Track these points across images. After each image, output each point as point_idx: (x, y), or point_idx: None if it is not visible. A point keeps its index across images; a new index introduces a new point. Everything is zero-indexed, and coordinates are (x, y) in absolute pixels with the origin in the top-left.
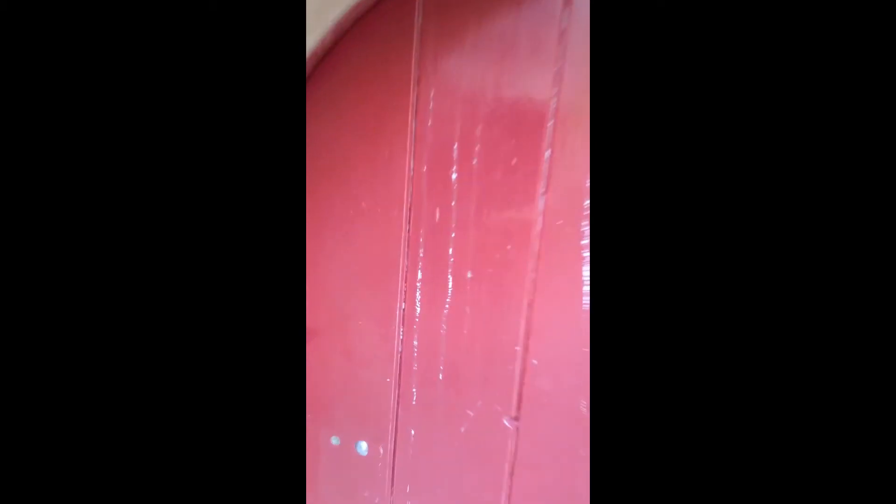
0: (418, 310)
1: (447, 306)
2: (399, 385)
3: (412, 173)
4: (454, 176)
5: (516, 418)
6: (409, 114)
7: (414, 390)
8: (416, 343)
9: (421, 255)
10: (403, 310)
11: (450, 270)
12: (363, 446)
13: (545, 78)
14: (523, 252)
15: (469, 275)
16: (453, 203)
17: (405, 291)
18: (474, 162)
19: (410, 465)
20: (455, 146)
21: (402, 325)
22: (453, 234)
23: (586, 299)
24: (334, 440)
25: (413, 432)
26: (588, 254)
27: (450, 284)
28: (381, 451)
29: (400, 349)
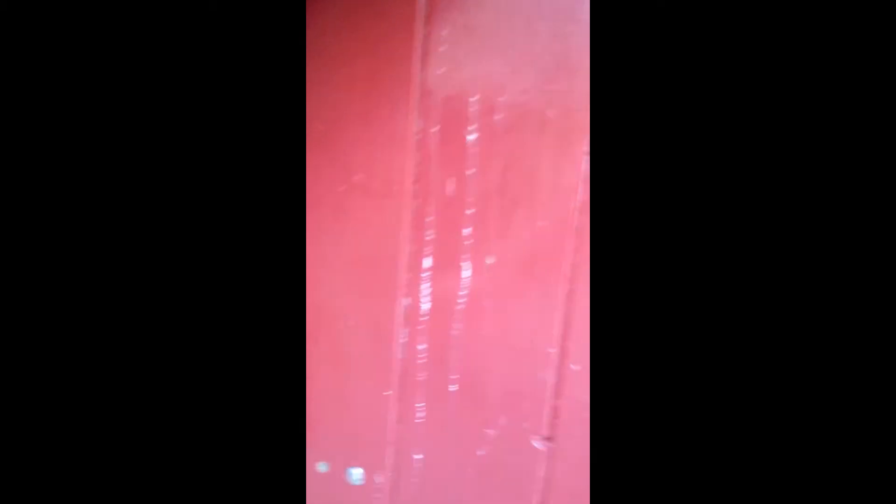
0: (425, 306)
1: (462, 300)
2: (401, 399)
3: (419, 136)
4: (471, 137)
5: (549, 438)
6: (415, 60)
7: (420, 405)
8: (421, 347)
9: (429, 237)
10: (407, 306)
11: (465, 255)
12: (357, 474)
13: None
14: (560, 228)
15: (490, 260)
16: (471, 171)
17: (409, 283)
18: (497, 118)
19: (415, 498)
20: (474, 99)
21: (406, 324)
22: (470, 210)
23: None
24: (321, 467)
25: (419, 457)
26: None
27: (466, 273)
28: (379, 480)
29: (402, 355)
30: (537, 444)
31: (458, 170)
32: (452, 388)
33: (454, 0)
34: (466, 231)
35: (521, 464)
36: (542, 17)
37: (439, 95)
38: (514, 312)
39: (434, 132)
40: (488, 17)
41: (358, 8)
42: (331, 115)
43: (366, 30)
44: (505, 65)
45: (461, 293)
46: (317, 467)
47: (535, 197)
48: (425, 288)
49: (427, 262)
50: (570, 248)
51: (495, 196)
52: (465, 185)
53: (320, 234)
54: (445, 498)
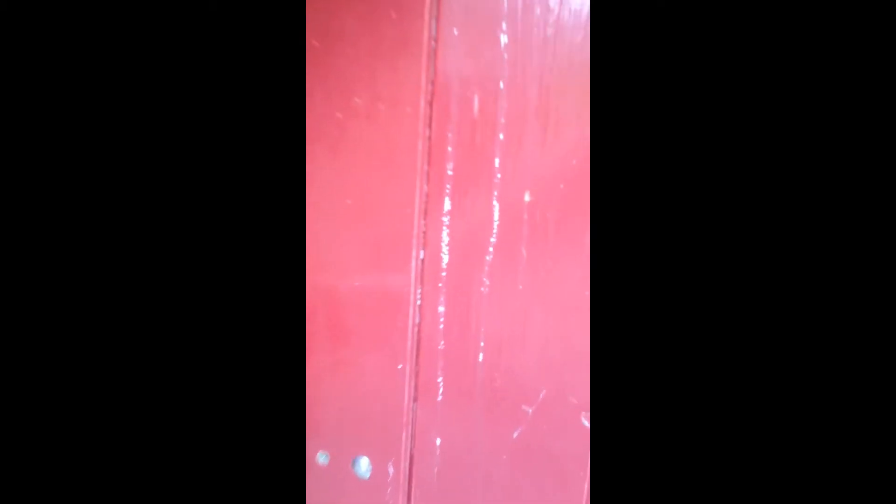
0: (445, 258)
1: (491, 250)
2: (417, 373)
3: (434, 42)
4: (504, 39)
5: None
6: None
7: (440, 380)
8: (441, 310)
9: (449, 171)
10: (422, 260)
11: (495, 192)
12: (363, 465)
13: None
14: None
15: (527, 197)
16: (502, 84)
17: (425, 231)
18: (537, 13)
19: (435, 490)
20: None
21: (421, 282)
22: (502, 135)
23: None
24: (321, 457)
25: (439, 441)
26: None
27: (496, 215)
28: (391, 470)
29: (417, 319)
30: (587, 421)
31: (485, 83)
32: (479, 357)
33: None
34: (496, 161)
35: (566, 447)
36: None
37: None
38: (558, 262)
39: (455, 35)
40: None
41: None
42: (326, 27)
43: None
44: None
45: (491, 240)
46: (317, 458)
47: (582, 114)
48: (445, 236)
49: (447, 205)
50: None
51: (533, 116)
52: (495, 103)
53: (315, 173)
54: (473, 490)
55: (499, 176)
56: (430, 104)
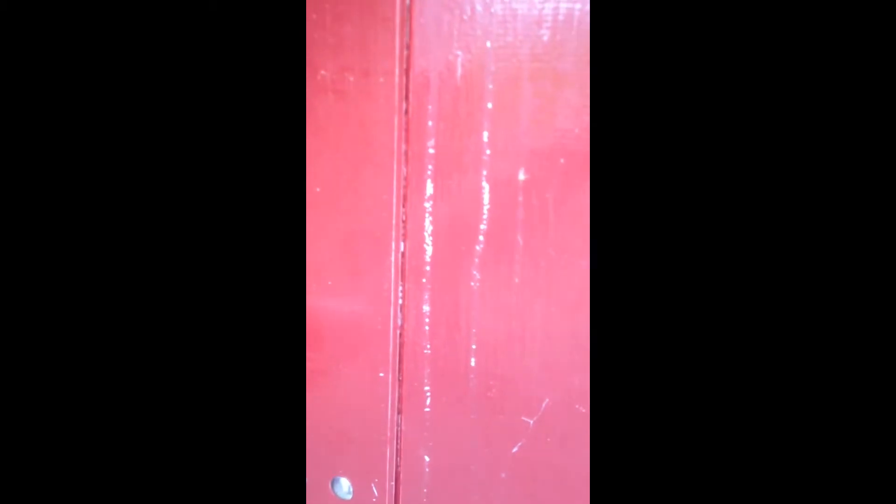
0: (429, 250)
1: (481, 239)
2: (401, 382)
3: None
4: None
5: None
6: None
7: (427, 389)
8: (426, 309)
9: (431, 149)
10: (403, 253)
11: (485, 172)
12: (344, 486)
13: None
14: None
15: (522, 175)
16: (489, 43)
17: (404, 220)
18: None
19: None
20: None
21: (402, 278)
22: (490, 104)
23: None
24: None
25: (428, 458)
26: None
27: (485, 198)
28: (376, 491)
29: (399, 321)
30: None
31: (470, 41)
32: (471, 362)
33: None
34: (486, 136)
35: (573, 463)
36: None
37: None
38: (560, 250)
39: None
40: None
41: None
42: None
43: None
44: None
45: (481, 227)
46: None
47: (584, 75)
48: (428, 225)
49: (429, 188)
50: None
51: (528, 79)
52: (482, 64)
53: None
54: None
55: (488, 152)
56: (406, 72)
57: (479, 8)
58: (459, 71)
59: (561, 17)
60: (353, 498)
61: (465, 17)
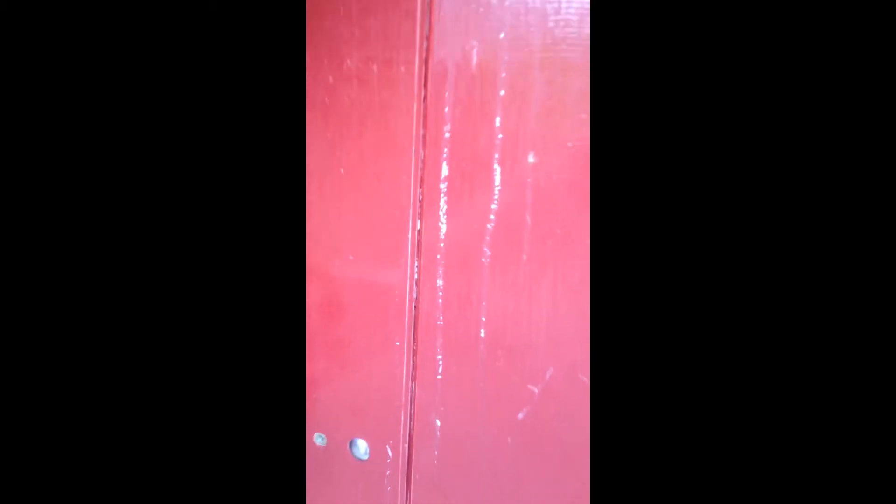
0: (443, 228)
1: (493, 218)
2: (415, 351)
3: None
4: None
5: None
6: None
7: (439, 358)
8: (440, 283)
9: (447, 133)
10: (419, 230)
11: (496, 155)
12: (361, 447)
13: None
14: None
15: (531, 158)
16: (502, 34)
17: (421, 200)
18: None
19: (436, 473)
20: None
21: (417, 255)
22: (502, 91)
23: None
24: (318, 439)
25: (439, 423)
26: None
27: (497, 179)
28: (390, 452)
29: (415, 294)
30: None
31: (485, 32)
32: (481, 333)
33: None
34: (497, 121)
35: (576, 429)
36: None
37: None
38: (566, 228)
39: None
40: None
41: None
42: None
43: None
44: None
45: (492, 207)
46: (314, 439)
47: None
48: (443, 204)
49: (444, 170)
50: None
51: (538, 68)
52: (496, 54)
53: (309, 143)
54: (475, 474)
55: (500, 136)
56: (426, 62)
57: (493, 1)
58: (475, 60)
59: (573, 8)
60: (369, 458)
61: (480, 10)
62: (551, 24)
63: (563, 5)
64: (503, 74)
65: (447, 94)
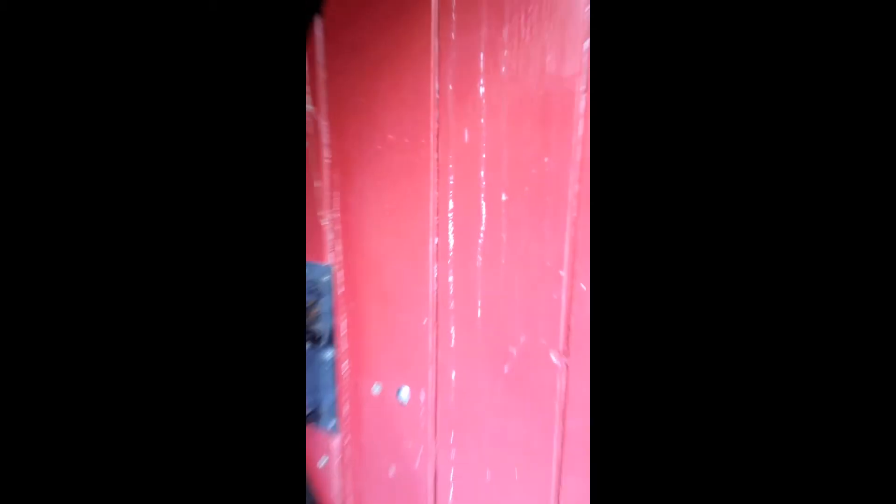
0: (451, 242)
1: (482, 235)
2: (437, 326)
3: (437, 95)
4: (482, 90)
5: (565, 353)
6: (431, 30)
7: (452, 330)
8: (451, 279)
9: (451, 182)
10: (436, 244)
11: (482, 195)
12: (405, 393)
13: None
14: (564, 162)
15: (504, 197)
16: (482, 120)
17: (437, 225)
18: (503, 71)
19: (453, 411)
20: (481, 56)
21: (436, 260)
22: (484, 155)
23: None
24: (375, 388)
25: (454, 375)
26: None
27: (483, 211)
28: (423, 397)
29: (435, 287)
30: (555, 358)
31: (472, 121)
32: (478, 313)
33: None
34: (481, 173)
35: (541, 377)
36: None
37: (453, 58)
38: (527, 242)
39: (450, 90)
40: None
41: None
42: (366, 91)
43: (389, 18)
44: (504, 21)
45: (481, 229)
46: (372, 389)
47: (542, 137)
48: (451, 227)
49: (451, 205)
50: (574, 178)
51: (505, 140)
52: (478, 133)
53: (365, 189)
54: (477, 410)
55: (483, 183)
56: (437, 136)
57: (478, 94)
58: (466, 137)
59: None
60: (409, 402)
61: (471, 104)
62: (512, 115)
63: (527, 99)
64: (484, 144)
65: (450, 155)
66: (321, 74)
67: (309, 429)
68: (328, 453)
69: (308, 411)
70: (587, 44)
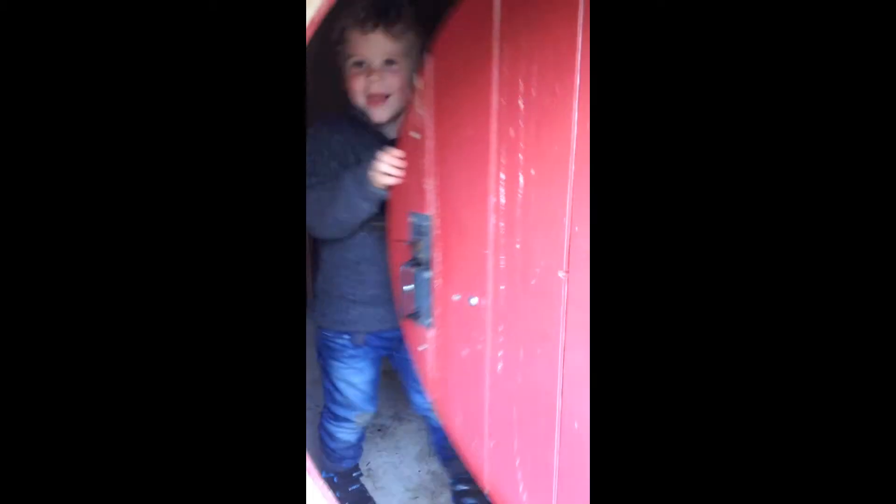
0: (503, 200)
1: (520, 196)
2: (493, 255)
3: (497, 106)
4: (521, 104)
5: (567, 271)
6: (493, 63)
7: (502, 258)
8: (501, 225)
9: (503, 162)
10: (494, 202)
11: (520, 170)
12: (474, 300)
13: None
14: (565, 151)
15: (532, 172)
16: (521, 122)
17: (494, 189)
18: (532, 93)
19: (501, 311)
20: (520, 82)
21: (493, 212)
22: (522, 144)
23: None
24: (455, 297)
25: (503, 288)
26: None
27: (521, 180)
28: (484, 302)
29: (493, 230)
30: (561, 275)
31: (515, 123)
32: (517, 246)
33: (506, 50)
34: (520, 157)
35: (552, 287)
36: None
37: (504, 81)
38: (545, 200)
39: (503, 103)
40: (528, 46)
41: (471, 62)
42: (461, 110)
43: (474, 74)
44: (533, 62)
45: (519, 192)
46: (452, 297)
47: (551, 136)
48: (502, 190)
49: (502, 176)
50: (571, 161)
51: (534, 137)
52: (518, 132)
53: (455, 169)
54: (516, 310)
55: (521, 163)
56: (497, 133)
57: (517, 108)
58: (512, 134)
59: None
60: (476, 305)
61: (514, 113)
62: (540, 121)
63: (550, 108)
64: (522, 141)
65: (503, 146)
66: (430, 91)
67: (413, 323)
68: (426, 342)
69: (412, 313)
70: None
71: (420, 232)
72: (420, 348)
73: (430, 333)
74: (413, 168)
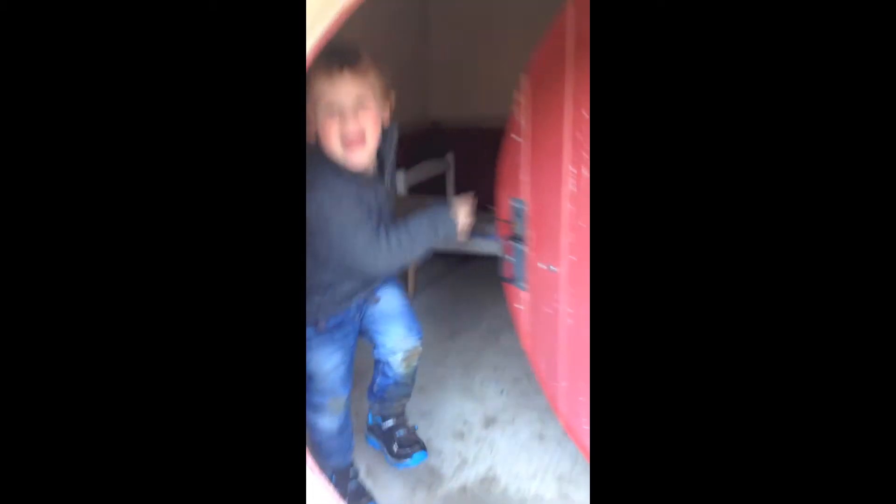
0: (573, 189)
1: (572, 187)
2: (568, 233)
3: (569, 115)
4: (585, 113)
5: None
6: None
7: (571, 235)
8: (569, 206)
9: (571, 158)
10: (567, 190)
11: (583, 168)
12: (554, 267)
13: None
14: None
15: (584, 172)
16: (586, 129)
17: (568, 181)
18: (584, 114)
19: (571, 275)
20: (583, 110)
21: (567, 199)
22: (584, 154)
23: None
24: (541, 265)
25: (574, 258)
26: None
27: (583, 174)
28: (559, 269)
29: (567, 213)
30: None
31: (582, 128)
32: (580, 223)
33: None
34: (584, 154)
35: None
36: None
37: (573, 95)
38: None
39: (573, 112)
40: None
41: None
42: (543, 119)
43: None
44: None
45: (580, 185)
46: (538, 265)
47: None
48: (570, 183)
49: (572, 168)
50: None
51: (583, 149)
52: (584, 135)
53: (536, 158)
54: (577, 273)
55: (583, 167)
56: (570, 137)
57: (582, 116)
58: (577, 137)
59: None
60: (557, 271)
61: (580, 119)
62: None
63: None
64: (583, 149)
65: (570, 147)
66: (528, 104)
67: (512, 286)
68: (521, 303)
69: (513, 278)
70: None
71: (517, 213)
72: (518, 306)
73: (524, 295)
74: (514, 163)
